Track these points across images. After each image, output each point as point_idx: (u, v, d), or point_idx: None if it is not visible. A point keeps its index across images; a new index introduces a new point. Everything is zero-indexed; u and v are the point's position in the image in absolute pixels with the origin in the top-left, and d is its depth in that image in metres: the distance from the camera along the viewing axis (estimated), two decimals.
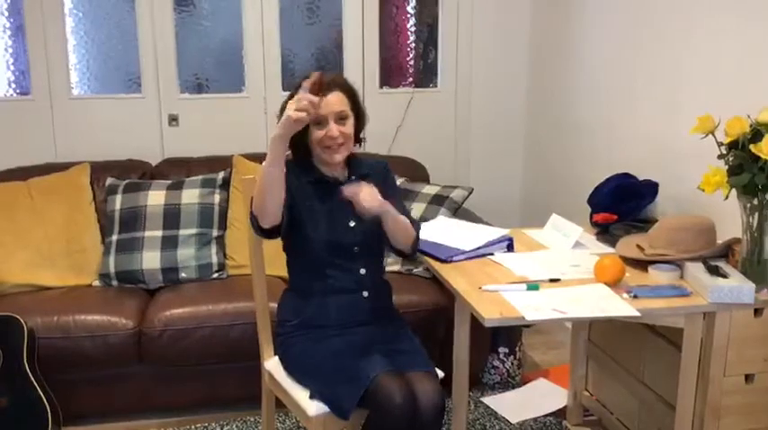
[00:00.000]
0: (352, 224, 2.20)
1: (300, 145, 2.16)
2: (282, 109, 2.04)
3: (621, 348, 2.60)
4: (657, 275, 2.16)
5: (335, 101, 2.12)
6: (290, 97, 2.02)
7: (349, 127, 2.15)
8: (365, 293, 2.22)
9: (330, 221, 2.17)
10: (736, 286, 1.99)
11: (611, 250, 2.42)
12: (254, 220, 2.07)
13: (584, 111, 3.49)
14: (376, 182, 2.22)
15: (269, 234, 2.10)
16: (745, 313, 2.06)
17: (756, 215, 2.06)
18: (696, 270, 2.11)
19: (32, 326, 2.71)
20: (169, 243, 3.18)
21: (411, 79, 4.07)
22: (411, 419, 1.94)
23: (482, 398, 3.09)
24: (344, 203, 2.14)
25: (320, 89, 1.97)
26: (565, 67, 3.66)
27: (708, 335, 2.08)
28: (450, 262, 2.31)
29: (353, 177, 2.23)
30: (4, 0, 3.48)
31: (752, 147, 1.98)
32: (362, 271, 2.22)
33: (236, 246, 3.28)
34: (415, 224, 2.24)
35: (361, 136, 2.27)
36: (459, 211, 3.27)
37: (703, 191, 2.09)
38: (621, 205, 2.75)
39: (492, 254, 2.39)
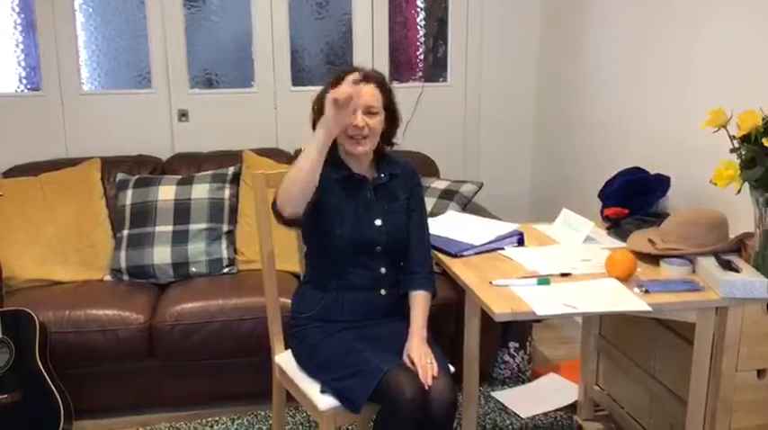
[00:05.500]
0: (378, 223, 2.19)
1: None
2: (317, 100, 2.13)
3: (632, 343, 2.59)
4: (669, 270, 2.15)
5: (368, 94, 2.11)
6: (325, 89, 2.08)
7: (376, 122, 2.13)
8: (383, 291, 2.22)
9: (356, 219, 2.16)
10: (749, 281, 1.98)
11: (622, 245, 2.41)
12: (275, 207, 2.02)
13: (595, 105, 3.48)
14: (405, 185, 2.25)
15: (289, 223, 2.05)
16: (757, 308, 2.05)
17: None
18: (708, 264, 2.09)
19: (44, 321, 2.73)
20: (179, 238, 3.19)
21: (421, 74, 4.06)
22: (422, 414, 1.94)
23: (492, 393, 3.09)
24: (372, 201, 2.16)
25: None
26: (575, 60, 3.64)
27: (720, 329, 2.07)
28: (461, 256, 2.31)
29: (383, 175, 2.23)
30: None
31: (764, 140, 1.98)
32: (383, 270, 2.21)
33: (246, 241, 3.29)
34: (430, 281, 2.24)
35: (394, 140, 2.26)
36: (468, 206, 3.27)
37: (715, 185, 2.08)
38: (633, 199, 2.73)
39: (502, 248, 2.39)
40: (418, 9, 4.00)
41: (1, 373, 2.60)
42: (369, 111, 2.11)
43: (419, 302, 2.18)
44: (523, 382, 3.19)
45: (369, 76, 2.13)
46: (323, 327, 2.18)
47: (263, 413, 2.93)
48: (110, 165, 3.41)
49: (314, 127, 2.19)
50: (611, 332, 2.75)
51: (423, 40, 4.04)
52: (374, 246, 2.18)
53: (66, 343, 2.77)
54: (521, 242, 2.44)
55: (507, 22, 3.96)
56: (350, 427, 2.81)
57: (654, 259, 2.23)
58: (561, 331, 3.76)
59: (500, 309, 1.88)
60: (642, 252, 2.25)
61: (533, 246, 2.44)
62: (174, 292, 3.02)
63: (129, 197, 3.26)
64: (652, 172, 2.85)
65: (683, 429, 2.23)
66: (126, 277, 3.17)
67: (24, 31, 3.55)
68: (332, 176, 2.16)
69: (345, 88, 1.90)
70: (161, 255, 3.15)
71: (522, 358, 3.21)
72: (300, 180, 1.95)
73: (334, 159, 2.19)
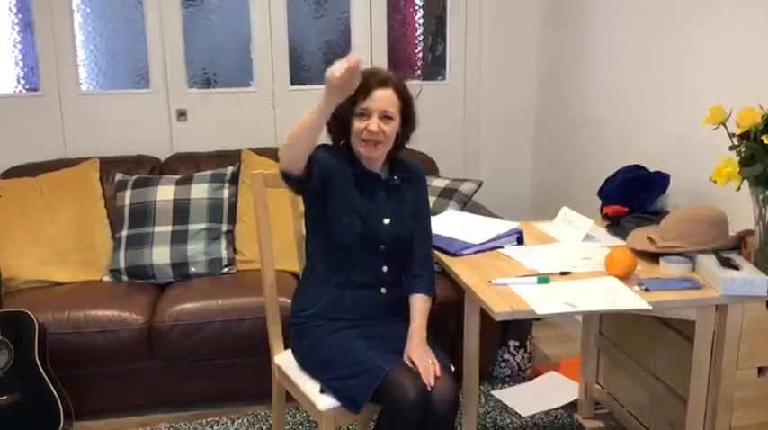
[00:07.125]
0: (386, 222, 2.19)
1: (341, 134, 2.17)
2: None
3: (633, 341, 2.59)
4: (669, 268, 2.15)
5: (386, 98, 2.10)
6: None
7: (391, 128, 2.13)
8: (383, 290, 2.22)
9: (365, 215, 2.16)
10: (749, 278, 1.97)
11: (621, 243, 2.40)
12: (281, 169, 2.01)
13: (595, 103, 3.47)
14: (414, 189, 2.26)
15: (291, 181, 2.02)
16: (757, 305, 2.05)
17: None
18: (708, 262, 2.09)
19: (43, 322, 2.72)
20: (179, 238, 3.18)
21: (419, 72, 4.05)
22: (424, 414, 1.94)
23: (492, 392, 3.08)
24: (384, 200, 2.17)
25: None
26: (575, 58, 3.64)
27: (720, 327, 2.07)
28: (460, 256, 2.31)
29: (395, 177, 2.23)
30: None
31: (764, 137, 1.97)
32: (385, 268, 2.21)
33: (245, 241, 3.28)
34: (431, 284, 2.25)
35: (406, 144, 2.26)
36: (468, 205, 3.26)
37: (715, 182, 2.07)
38: (632, 197, 2.73)
39: (502, 247, 2.39)
40: (417, 7, 4.00)
41: (0, 374, 2.60)
42: (384, 116, 2.11)
43: (419, 305, 2.18)
44: (523, 381, 3.19)
45: (387, 80, 2.12)
46: (324, 325, 2.18)
47: (263, 413, 2.93)
48: (108, 166, 3.40)
49: (329, 131, 2.19)
50: (611, 330, 2.74)
51: (421, 38, 4.03)
52: (378, 244, 2.18)
53: (65, 344, 2.77)
54: (520, 240, 2.44)
55: (506, 19, 3.95)
56: (350, 428, 2.81)
57: (654, 257, 2.22)
58: (561, 329, 3.76)
59: (500, 308, 1.88)
60: (642, 250, 2.24)
61: (533, 244, 2.44)
62: (174, 293, 3.01)
63: (127, 197, 3.26)
64: (652, 169, 2.84)
65: (683, 427, 2.23)
66: (125, 277, 3.16)
67: (22, 31, 3.54)
68: (347, 170, 2.16)
69: (339, 69, 1.80)
70: (160, 255, 3.15)
71: (523, 356, 3.20)
72: (298, 137, 1.91)
73: (351, 155, 2.18)
